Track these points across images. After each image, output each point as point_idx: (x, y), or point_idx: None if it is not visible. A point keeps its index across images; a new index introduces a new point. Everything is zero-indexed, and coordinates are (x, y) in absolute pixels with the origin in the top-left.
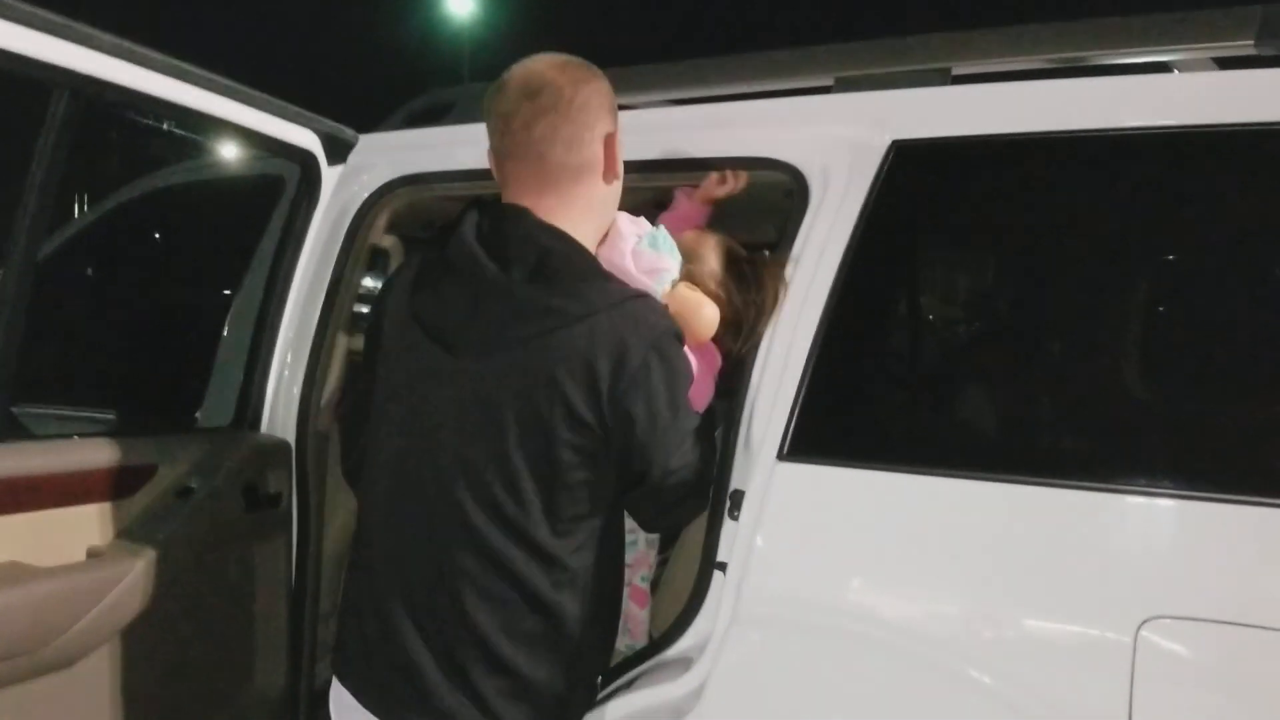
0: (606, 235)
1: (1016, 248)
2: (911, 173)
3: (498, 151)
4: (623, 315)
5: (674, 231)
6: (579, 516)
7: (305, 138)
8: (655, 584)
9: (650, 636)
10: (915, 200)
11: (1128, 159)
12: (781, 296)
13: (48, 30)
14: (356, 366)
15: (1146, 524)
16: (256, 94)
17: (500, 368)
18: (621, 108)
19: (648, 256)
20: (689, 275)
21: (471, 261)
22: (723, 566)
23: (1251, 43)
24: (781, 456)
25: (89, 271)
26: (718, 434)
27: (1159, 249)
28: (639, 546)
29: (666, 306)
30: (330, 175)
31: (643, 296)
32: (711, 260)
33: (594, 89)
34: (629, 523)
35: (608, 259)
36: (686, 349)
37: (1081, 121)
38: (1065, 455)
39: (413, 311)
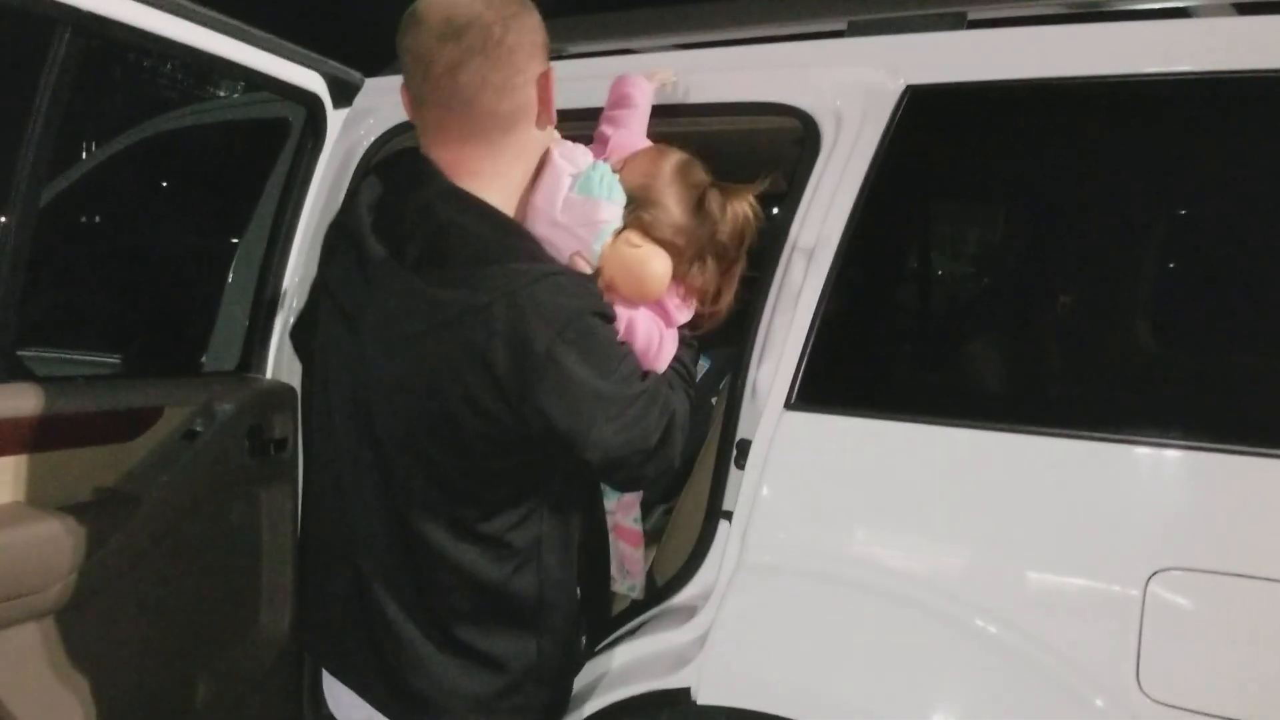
0: (539, 175)
1: (1029, 195)
2: (926, 118)
3: (415, 96)
4: (523, 303)
5: (622, 159)
6: (512, 498)
7: (311, 80)
8: (660, 532)
9: (655, 581)
10: (929, 146)
11: (1145, 105)
12: (750, 235)
13: None
14: None
15: (1156, 475)
16: (261, 34)
17: (400, 360)
18: (630, 52)
19: (579, 206)
20: (638, 223)
21: (360, 240)
22: (728, 515)
23: None
24: (789, 406)
25: (94, 217)
26: (723, 384)
27: (1174, 197)
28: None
29: (593, 275)
30: (336, 118)
31: (551, 275)
32: (668, 200)
33: (525, 25)
34: None
35: (539, 207)
36: (637, 309)
37: (1098, 67)
38: (1073, 406)
39: (323, 279)
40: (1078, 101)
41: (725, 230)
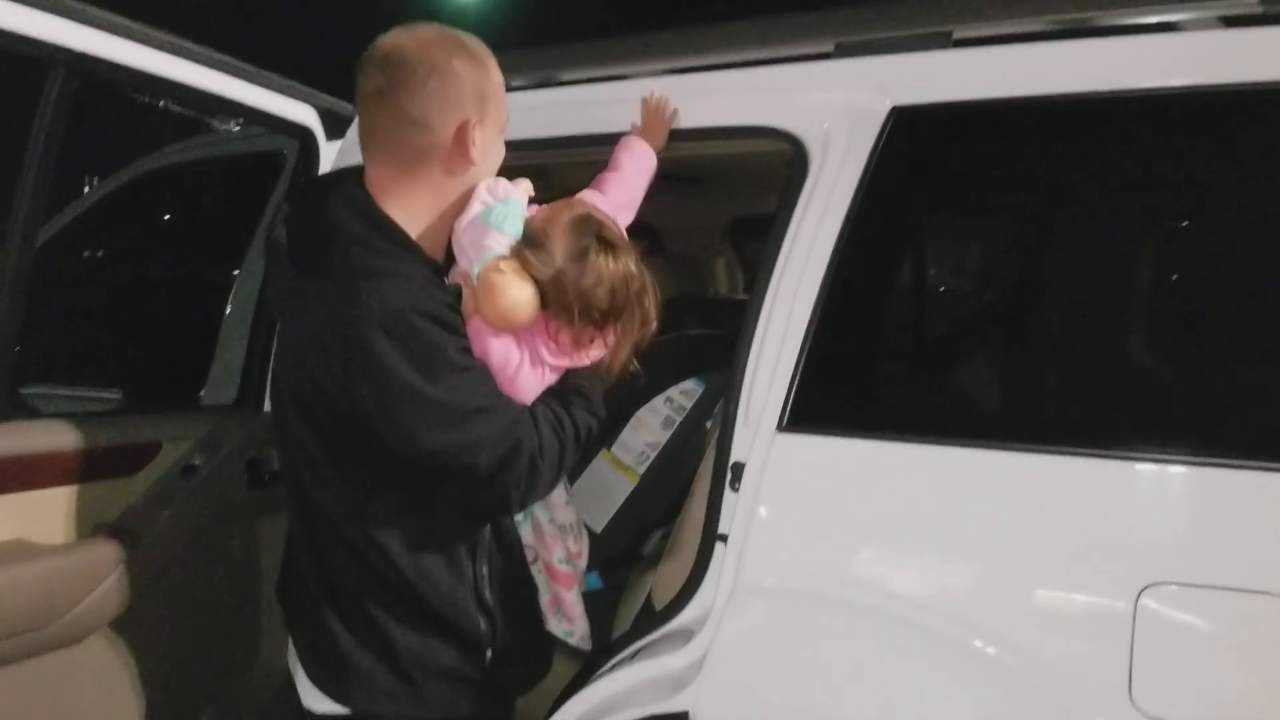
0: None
1: (1018, 214)
2: (912, 138)
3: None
4: (362, 296)
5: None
6: (378, 486)
7: (303, 113)
8: (658, 556)
9: (652, 605)
10: (916, 166)
11: (1133, 121)
12: (625, 293)
13: (41, 7)
14: None
15: (1147, 491)
16: (253, 69)
17: (285, 343)
18: (619, 78)
19: (475, 230)
20: (518, 256)
21: (275, 241)
22: (724, 538)
23: (1257, 1)
24: (781, 428)
25: (93, 252)
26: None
27: (1164, 213)
28: (537, 525)
29: (456, 290)
30: (329, 150)
31: (401, 278)
32: (553, 245)
33: (459, 75)
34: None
35: (456, 227)
36: (499, 333)
37: (1085, 84)
38: (1064, 423)
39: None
40: (1065, 118)
41: (601, 284)
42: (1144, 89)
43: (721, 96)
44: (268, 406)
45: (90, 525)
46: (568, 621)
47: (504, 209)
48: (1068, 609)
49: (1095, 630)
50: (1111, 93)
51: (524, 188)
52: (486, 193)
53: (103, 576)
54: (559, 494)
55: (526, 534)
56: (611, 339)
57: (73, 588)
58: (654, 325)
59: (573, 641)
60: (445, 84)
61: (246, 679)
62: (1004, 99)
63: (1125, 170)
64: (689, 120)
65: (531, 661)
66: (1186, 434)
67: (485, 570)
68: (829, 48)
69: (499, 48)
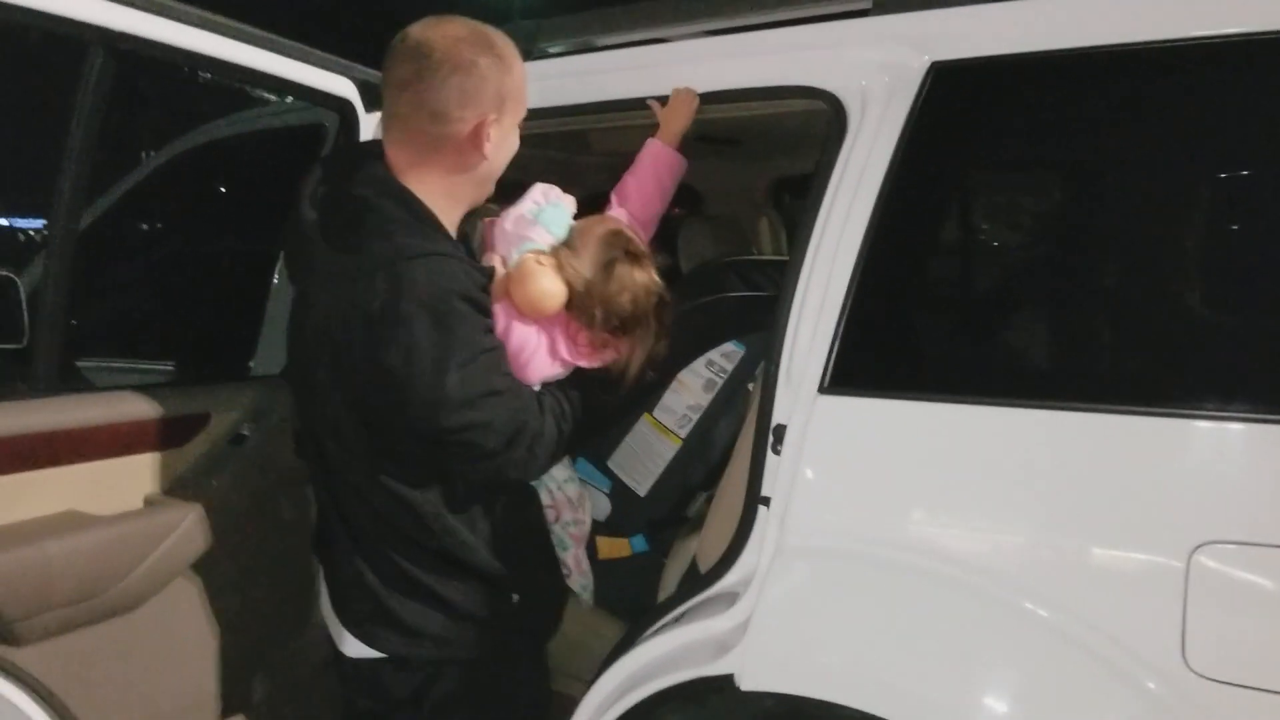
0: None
1: (1058, 169)
2: (951, 94)
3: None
4: (400, 273)
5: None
6: (411, 461)
7: (343, 86)
8: (703, 519)
9: (697, 568)
10: (955, 122)
11: (1176, 72)
12: (645, 302)
13: None
14: None
15: (1199, 449)
16: (293, 44)
17: (315, 316)
18: (657, 40)
19: (524, 223)
20: (555, 254)
21: (305, 215)
22: (766, 501)
23: None
24: (823, 389)
25: (139, 227)
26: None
27: (1212, 165)
28: (549, 491)
29: (491, 271)
30: (369, 121)
31: (436, 256)
32: (583, 254)
33: (480, 74)
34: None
35: (505, 214)
36: (523, 319)
37: (1131, 35)
38: (1112, 381)
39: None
40: (1105, 71)
41: (624, 293)
42: (1192, 38)
43: (759, 57)
44: None
45: (143, 495)
46: (581, 576)
47: (554, 211)
48: (1119, 569)
49: (1147, 590)
50: (1153, 43)
51: (569, 201)
52: (541, 195)
53: (156, 544)
54: (563, 469)
55: (545, 495)
56: (624, 348)
57: (128, 556)
58: (666, 340)
59: (585, 596)
60: (467, 82)
61: (298, 640)
62: (1044, 52)
63: (1173, 122)
64: (727, 81)
65: (556, 609)
66: (1239, 390)
67: (505, 521)
68: (866, 4)
69: (535, 14)
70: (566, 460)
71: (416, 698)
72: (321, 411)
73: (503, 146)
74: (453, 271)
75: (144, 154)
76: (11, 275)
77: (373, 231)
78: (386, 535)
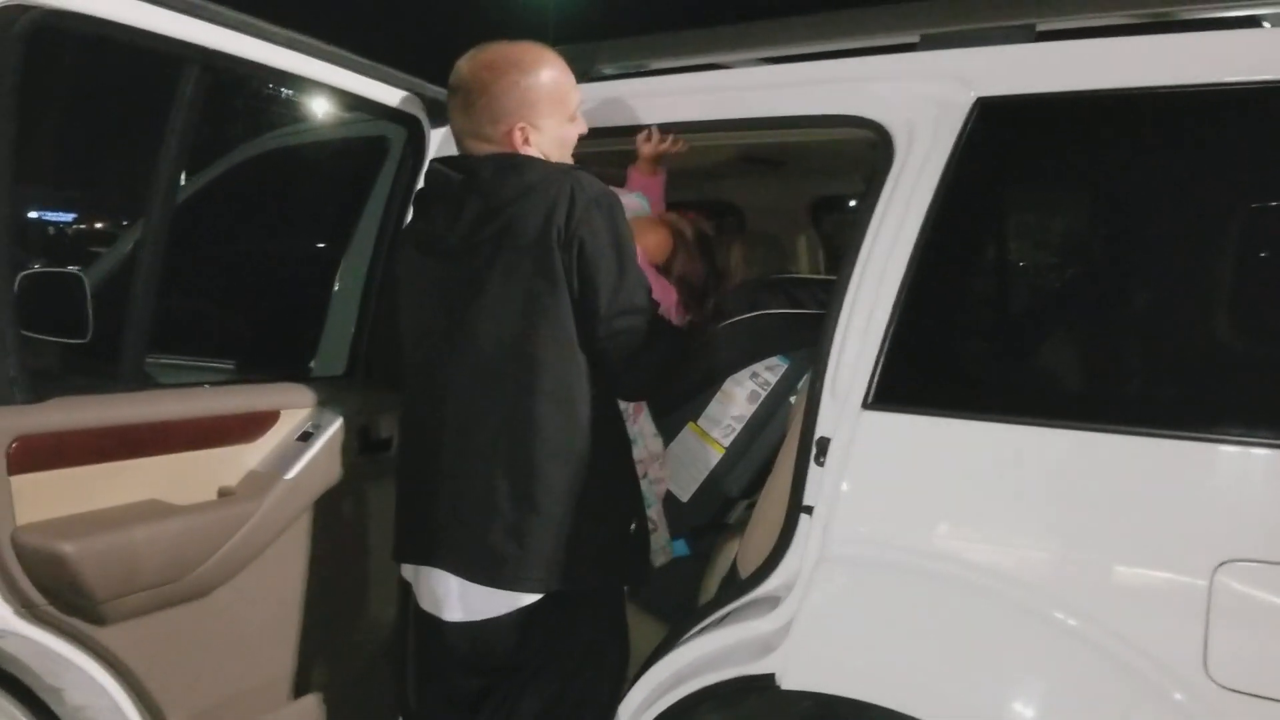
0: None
1: (1097, 205)
2: (995, 129)
3: None
4: (580, 179)
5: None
6: (563, 370)
7: (411, 102)
8: (742, 525)
9: (738, 574)
10: (999, 156)
11: (1215, 116)
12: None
13: (178, 9)
14: None
15: (1225, 471)
16: (366, 62)
17: (492, 226)
18: (710, 67)
19: (629, 201)
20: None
21: (444, 178)
22: (809, 510)
23: None
24: (866, 405)
25: (207, 231)
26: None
27: (1248, 206)
28: (638, 447)
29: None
30: (434, 136)
31: (576, 170)
32: (650, 234)
33: (504, 89)
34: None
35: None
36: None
37: (1167, 78)
38: (1144, 406)
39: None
40: (1146, 112)
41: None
42: (1226, 84)
43: (810, 86)
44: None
45: (217, 487)
46: (665, 532)
47: (641, 200)
48: (1146, 583)
49: (1172, 604)
50: (1193, 87)
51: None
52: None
53: (229, 535)
54: (649, 425)
55: (637, 450)
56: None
57: (202, 545)
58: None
59: (665, 554)
60: (492, 102)
61: (357, 630)
62: (1087, 91)
63: (1207, 164)
64: (778, 109)
65: (649, 552)
66: (1264, 415)
67: (622, 456)
68: (914, 39)
69: (585, 37)
70: (651, 417)
71: (523, 647)
72: (464, 346)
73: (556, 140)
74: (600, 182)
75: (215, 160)
76: (78, 273)
77: (526, 166)
78: (523, 464)
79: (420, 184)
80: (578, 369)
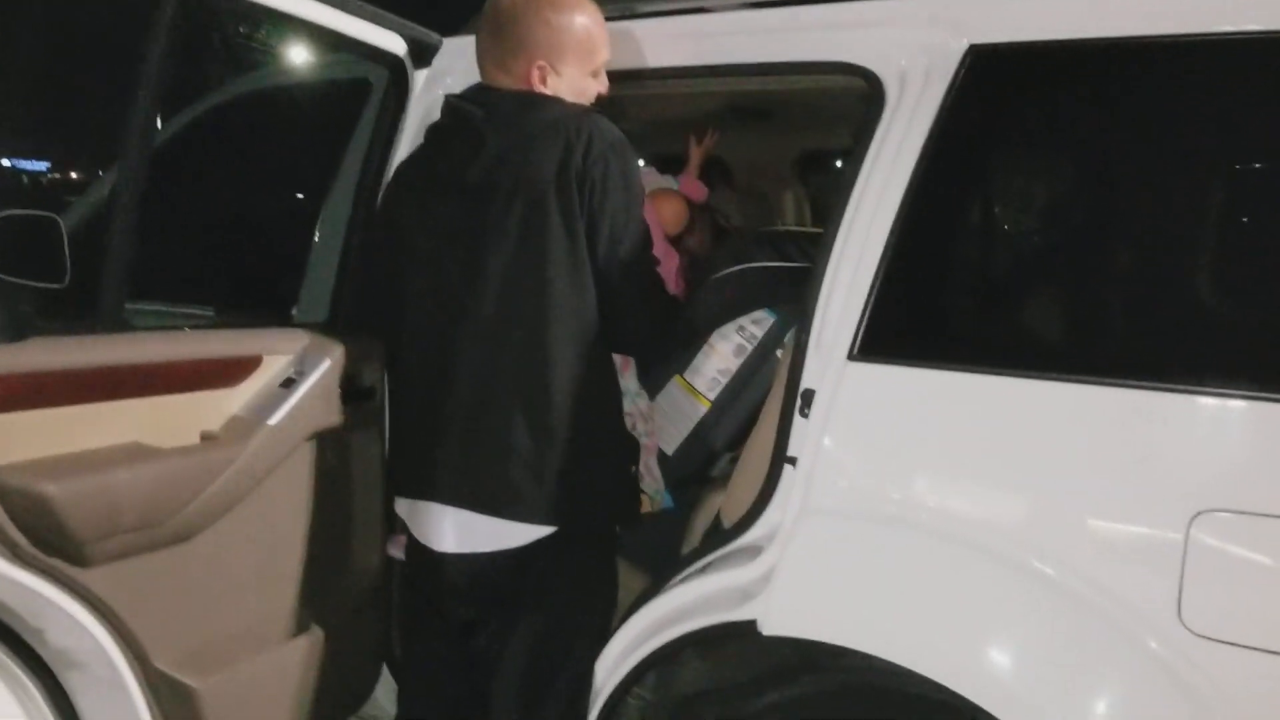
0: None
1: (1087, 154)
2: (988, 77)
3: None
4: (596, 122)
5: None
6: (574, 303)
7: (394, 42)
8: (727, 478)
9: (720, 523)
10: (991, 105)
11: (1221, 66)
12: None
13: None
14: None
15: (1202, 422)
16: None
17: (510, 160)
18: (698, 11)
19: (650, 175)
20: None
21: (465, 113)
22: (793, 461)
23: None
24: (851, 357)
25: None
26: (787, 336)
27: (1240, 156)
28: (631, 400)
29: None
30: (415, 78)
31: (592, 113)
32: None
33: (537, 21)
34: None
35: None
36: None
37: (1168, 27)
38: (1124, 356)
39: (418, 179)
40: (1141, 60)
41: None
42: (1226, 32)
43: (799, 32)
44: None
45: (199, 431)
46: (654, 481)
47: (670, 181)
48: (1124, 533)
49: (1149, 553)
50: (1191, 35)
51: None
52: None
53: (212, 479)
54: (634, 383)
55: (626, 403)
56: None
57: (185, 488)
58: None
59: (657, 500)
60: (522, 34)
61: (340, 575)
62: (1084, 40)
63: (1209, 118)
64: (767, 54)
65: (639, 496)
66: (1242, 368)
67: (616, 404)
68: None
69: None
70: (635, 375)
71: (522, 581)
72: (481, 287)
73: (575, 89)
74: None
75: (192, 102)
76: (54, 216)
77: (545, 103)
78: (541, 404)
79: (438, 117)
80: (593, 310)
